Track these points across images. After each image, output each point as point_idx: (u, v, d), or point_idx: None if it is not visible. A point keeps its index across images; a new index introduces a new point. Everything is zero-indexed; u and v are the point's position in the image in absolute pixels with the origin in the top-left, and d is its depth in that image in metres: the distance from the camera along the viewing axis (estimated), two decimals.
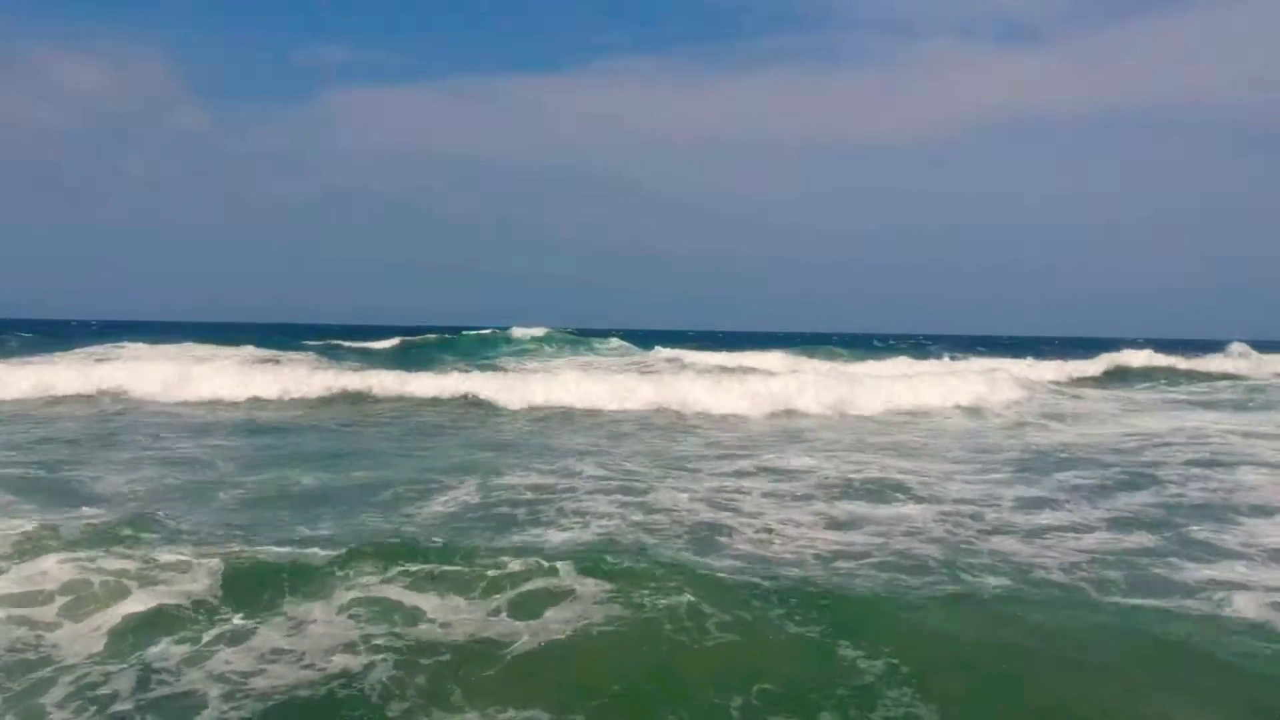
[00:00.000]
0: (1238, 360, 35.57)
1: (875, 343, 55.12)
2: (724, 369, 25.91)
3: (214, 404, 17.92)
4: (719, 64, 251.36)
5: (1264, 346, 40.07)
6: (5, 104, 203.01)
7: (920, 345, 52.52)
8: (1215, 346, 39.82)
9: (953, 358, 34.92)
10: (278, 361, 28.86)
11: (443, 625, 5.33)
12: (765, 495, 9.46)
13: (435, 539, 7.02)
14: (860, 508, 8.92)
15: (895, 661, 4.92)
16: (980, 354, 35.81)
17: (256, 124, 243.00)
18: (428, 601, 5.61)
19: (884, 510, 8.84)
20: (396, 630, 5.21)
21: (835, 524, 8.28)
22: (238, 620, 5.36)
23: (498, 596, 5.67)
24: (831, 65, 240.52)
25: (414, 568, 6.07)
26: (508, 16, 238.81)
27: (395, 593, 5.69)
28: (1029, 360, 33.04)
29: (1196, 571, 6.87)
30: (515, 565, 6.07)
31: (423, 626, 5.31)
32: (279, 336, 45.18)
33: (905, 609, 5.81)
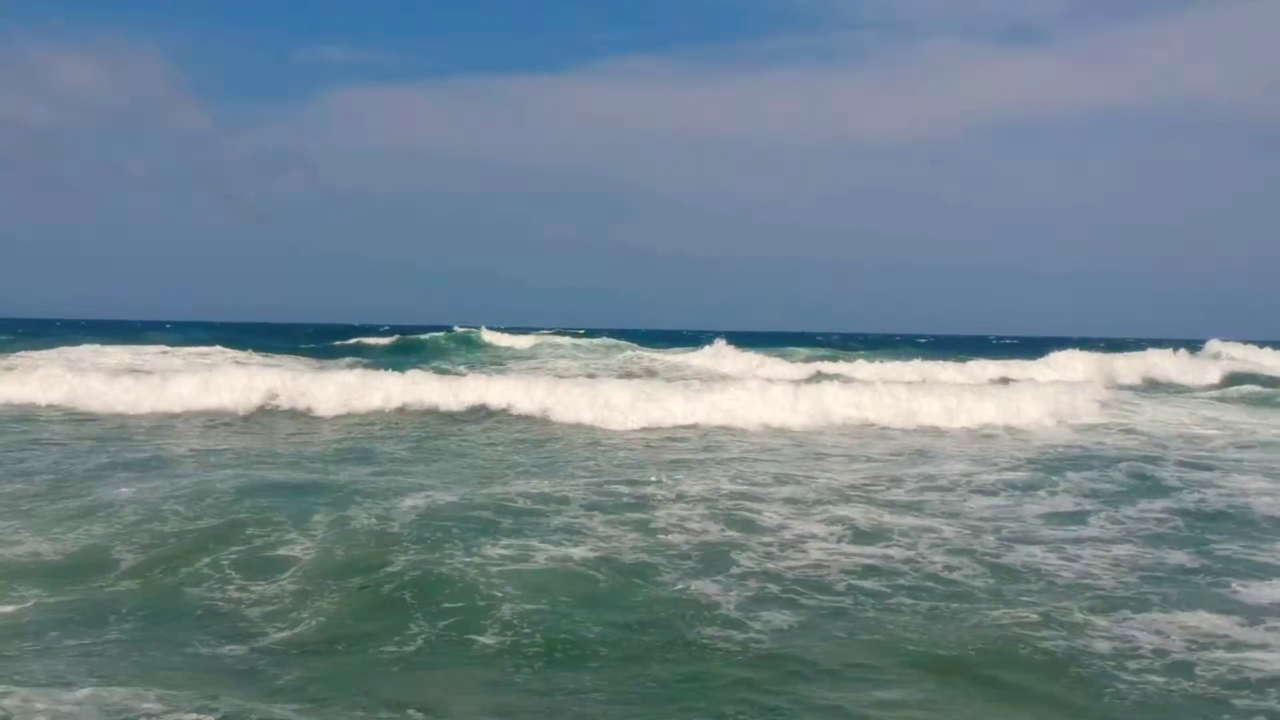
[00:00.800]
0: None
1: (872, 343, 54.68)
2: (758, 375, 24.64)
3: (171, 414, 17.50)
4: (719, 64, 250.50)
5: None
6: (4, 103, 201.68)
7: (918, 345, 52.11)
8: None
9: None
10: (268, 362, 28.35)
11: None
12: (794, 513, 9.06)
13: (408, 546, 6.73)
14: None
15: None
16: (977, 355, 35.01)
17: (256, 124, 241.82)
18: None
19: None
20: None
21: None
22: None
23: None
24: (832, 65, 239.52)
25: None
26: (508, 16, 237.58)
27: None
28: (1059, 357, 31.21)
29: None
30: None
31: None
32: (275, 338, 44.85)
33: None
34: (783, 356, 34.73)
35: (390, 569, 6.55)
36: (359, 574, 6.50)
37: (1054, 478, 10.55)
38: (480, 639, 5.40)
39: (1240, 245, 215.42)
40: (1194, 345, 37.54)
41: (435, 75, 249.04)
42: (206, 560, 6.79)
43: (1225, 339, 40.72)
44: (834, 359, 34.99)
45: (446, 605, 5.87)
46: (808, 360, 34.53)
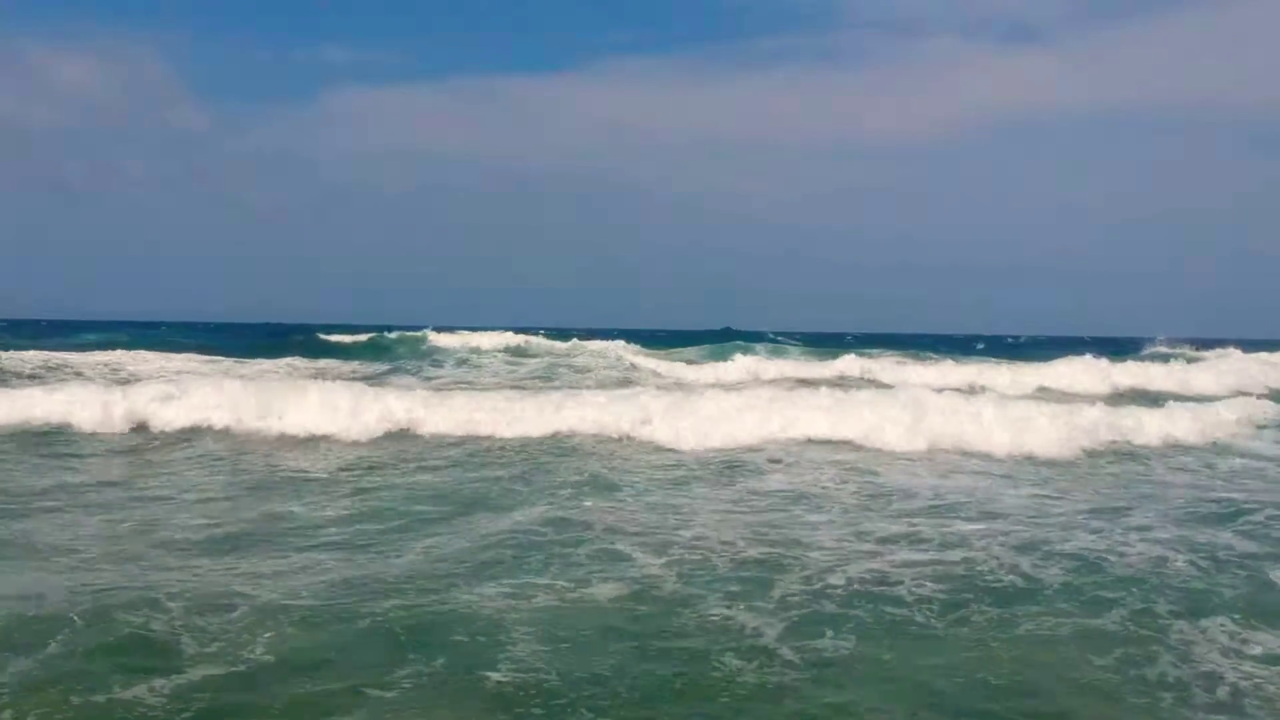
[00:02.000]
0: None
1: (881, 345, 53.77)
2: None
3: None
4: (720, 64, 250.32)
5: (1256, 345, 37.48)
6: (4, 103, 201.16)
7: (923, 346, 51.18)
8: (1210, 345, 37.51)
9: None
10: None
11: None
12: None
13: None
14: None
15: None
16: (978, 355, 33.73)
17: (256, 124, 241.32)
18: None
19: None
20: None
21: None
22: None
23: None
24: (833, 65, 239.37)
25: None
26: (508, 16, 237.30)
27: None
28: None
29: None
30: None
31: None
32: (273, 338, 43.88)
33: None
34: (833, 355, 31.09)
35: (376, 601, 5.64)
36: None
37: None
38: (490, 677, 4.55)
39: (1240, 245, 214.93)
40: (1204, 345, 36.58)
41: (435, 75, 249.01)
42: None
43: (1226, 339, 39.79)
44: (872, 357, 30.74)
45: (444, 642, 5.01)
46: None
